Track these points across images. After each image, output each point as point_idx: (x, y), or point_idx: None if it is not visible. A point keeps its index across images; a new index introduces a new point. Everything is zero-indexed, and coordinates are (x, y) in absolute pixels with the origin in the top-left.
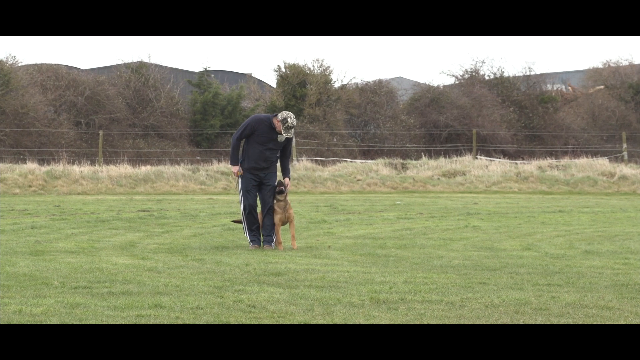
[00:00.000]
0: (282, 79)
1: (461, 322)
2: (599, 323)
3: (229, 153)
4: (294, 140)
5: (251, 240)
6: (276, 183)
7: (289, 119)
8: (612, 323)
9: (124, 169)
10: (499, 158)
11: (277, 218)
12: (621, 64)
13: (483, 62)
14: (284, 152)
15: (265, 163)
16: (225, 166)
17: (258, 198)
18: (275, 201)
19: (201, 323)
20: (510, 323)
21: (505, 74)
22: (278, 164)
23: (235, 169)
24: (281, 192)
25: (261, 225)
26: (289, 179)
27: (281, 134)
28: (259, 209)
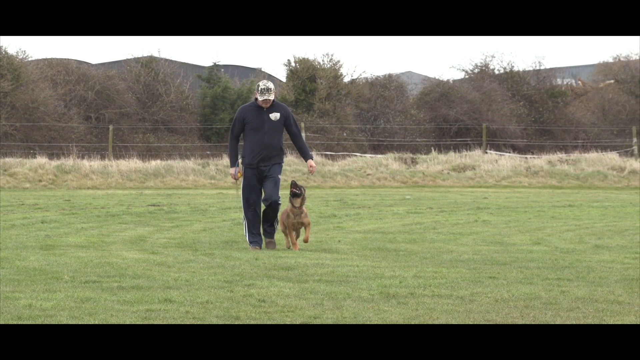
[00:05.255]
0: (292, 73)
1: (471, 316)
2: (608, 317)
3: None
4: (293, 120)
5: (251, 242)
6: (291, 184)
7: (260, 84)
8: (622, 317)
9: (133, 164)
10: (509, 152)
11: (289, 222)
12: (631, 59)
13: (493, 56)
14: (291, 131)
15: (267, 151)
16: None
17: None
18: (289, 203)
19: (211, 317)
20: (520, 317)
21: (515, 69)
22: (283, 159)
23: (233, 170)
24: (295, 195)
25: (262, 218)
26: (312, 159)
27: (267, 108)
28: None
